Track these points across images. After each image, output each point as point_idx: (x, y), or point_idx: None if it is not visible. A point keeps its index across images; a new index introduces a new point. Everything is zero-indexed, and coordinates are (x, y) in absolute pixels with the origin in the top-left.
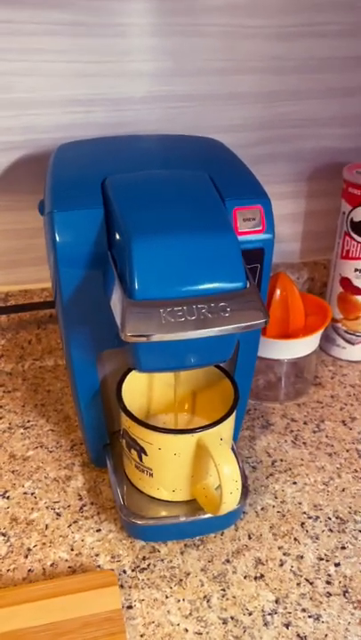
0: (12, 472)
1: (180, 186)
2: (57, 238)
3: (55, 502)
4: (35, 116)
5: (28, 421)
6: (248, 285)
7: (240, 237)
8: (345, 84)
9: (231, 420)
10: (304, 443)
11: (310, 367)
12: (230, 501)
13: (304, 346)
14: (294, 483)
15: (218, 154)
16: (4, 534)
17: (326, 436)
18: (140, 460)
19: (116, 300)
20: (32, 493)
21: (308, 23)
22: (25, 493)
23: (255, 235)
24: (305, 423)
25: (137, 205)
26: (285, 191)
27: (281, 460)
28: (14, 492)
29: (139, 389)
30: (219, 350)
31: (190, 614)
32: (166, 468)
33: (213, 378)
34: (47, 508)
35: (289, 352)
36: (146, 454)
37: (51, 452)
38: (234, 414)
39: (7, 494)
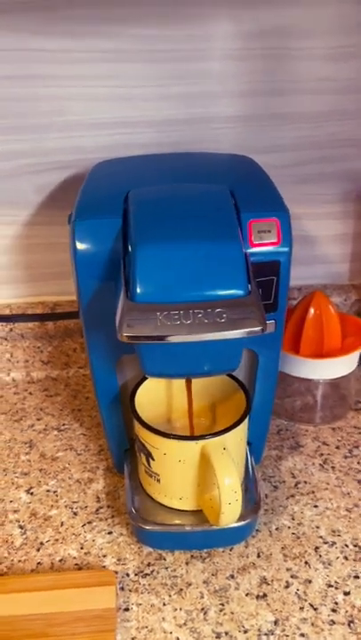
0: (40, 470)
1: (197, 198)
2: (76, 245)
3: (74, 502)
4: (83, 138)
5: (63, 424)
6: (250, 293)
7: (254, 249)
8: None
9: (238, 432)
10: (333, 467)
11: (350, 391)
12: (229, 512)
13: (339, 366)
14: (315, 506)
15: (245, 170)
16: (21, 527)
17: (358, 463)
18: (149, 464)
19: (119, 303)
20: (54, 492)
21: (358, 44)
22: (48, 491)
23: (270, 247)
24: (337, 447)
25: (150, 216)
26: (333, 211)
27: (305, 482)
28: (38, 488)
29: (159, 397)
30: (224, 359)
31: (185, 624)
32: (172, 475)
33: (230, 390)
34: (66, 506)
35: (323, 372)
36: (153, 459)
37: (79, 454)
38: (243, 426)
39: (32, 490)
